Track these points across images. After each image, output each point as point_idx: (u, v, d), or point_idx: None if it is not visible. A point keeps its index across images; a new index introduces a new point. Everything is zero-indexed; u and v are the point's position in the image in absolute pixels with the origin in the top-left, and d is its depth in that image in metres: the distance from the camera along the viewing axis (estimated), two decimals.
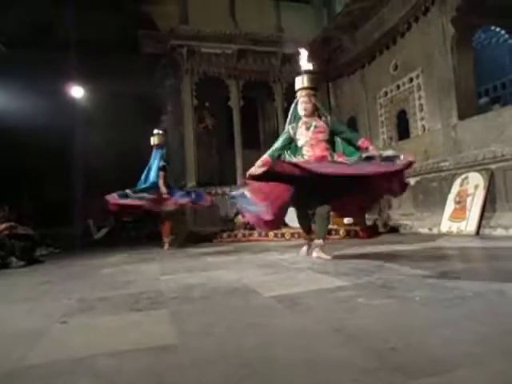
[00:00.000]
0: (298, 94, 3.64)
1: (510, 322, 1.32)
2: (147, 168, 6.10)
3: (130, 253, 5.47)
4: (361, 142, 3.37)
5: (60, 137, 8.47)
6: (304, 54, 3.75)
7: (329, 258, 3.32)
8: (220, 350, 1.26)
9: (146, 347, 1.33)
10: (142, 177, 6.06)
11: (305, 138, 3.49)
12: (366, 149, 3.27)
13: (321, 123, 3.52)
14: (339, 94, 8.48)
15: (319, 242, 3.46)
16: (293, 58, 8.07)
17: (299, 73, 3.74)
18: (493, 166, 4.70)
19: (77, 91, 8.05)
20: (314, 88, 3.65)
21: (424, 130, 6.06)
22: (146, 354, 1.26)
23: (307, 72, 3.68)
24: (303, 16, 8.88)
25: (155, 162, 5.99)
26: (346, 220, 5.80)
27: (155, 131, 6.17)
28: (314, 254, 3.43)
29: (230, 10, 8.28)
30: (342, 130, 3.56)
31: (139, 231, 8.55)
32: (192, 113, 7.96)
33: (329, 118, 3.61)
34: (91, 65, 7.47)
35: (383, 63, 6.87)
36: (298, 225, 6.22)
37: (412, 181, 6.05)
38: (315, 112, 3.58)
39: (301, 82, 3.62)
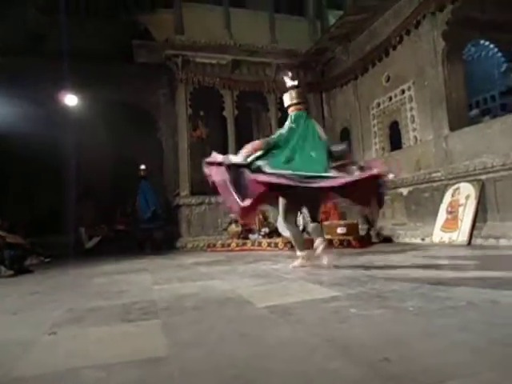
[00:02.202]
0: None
1: (503, 331, 1.33)
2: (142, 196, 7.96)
3: (122, 262, 5.41)
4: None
5: (53, 144, 8.42)
6: (287, 75, 3.80)
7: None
8: (212, 361, 1.24)
9: (136, 359, 1.31)
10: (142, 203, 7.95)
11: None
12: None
13: None
14: (333, 104, 8.57)
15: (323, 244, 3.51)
16: (286, 70, 8.19)
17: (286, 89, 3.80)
18: (483, 177, 4.75)
19: (70, 99, 8.02)
20: (302, 103, 3.70)
21: (416, 140, 6.13)
22: (136, 366, 1.24)
23: (294, 87, 3.73)
24: (297, 28, 9.00)
25: (148, 191, 7.98)
26: (340, 230, 5.81)
27: (141, 167, 8.18)
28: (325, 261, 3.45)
29: (225, 22, 8.37)
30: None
31: (131, 240, 8.47)
32: (186, 122, 7.98)
33: None
34: (85, 73, 7.48)
35: (376, 75, 6.97)
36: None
37: (404, 191, 6.10)
38: None
39: (289, 97, 3.70)
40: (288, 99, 3.70)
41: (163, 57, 7.81)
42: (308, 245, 3.67)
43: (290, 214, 3.64)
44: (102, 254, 7.18)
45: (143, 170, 8.17)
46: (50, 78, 7.41)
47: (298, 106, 3.65)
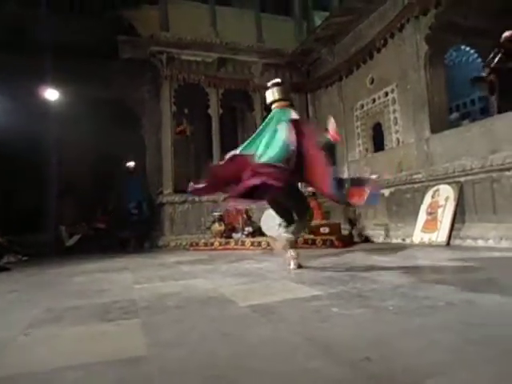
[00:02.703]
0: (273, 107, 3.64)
1: (479, 331, 1.36)
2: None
3: (102, 261, 5.32)
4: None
5: (34, 139, 8.22)
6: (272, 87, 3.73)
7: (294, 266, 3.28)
8: (194, 361, 1.23)
9: (115, 359, 1.29)
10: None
11: None
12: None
13: None
14: (317, 105, 8.62)
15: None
16: (272, 69, 8.24)
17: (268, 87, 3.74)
18: (462, 179, 4.86)
19: (52, 94, 7.84)
20: (286, 99, 3.64)
21: (398, 142, 6.23)
22: (115, 366, 1.22)
23: (276, 84, 3.68)
24: (283, 28, 9.02)
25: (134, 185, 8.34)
26: (323, 229, 5.86)
27: (129, 163, 8.60)
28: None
29: (211, 20, 8.32)
30: None
31: (112, 239, 8.36)
32: (170, 119, 7.90)
33: None
34: (68, 68, 7.30)
35: (360, 77, 7.04)
36: (275, 234, 6.29)
37: (386, 192, 6.19)
38: None
39: (271, 94, 3.63)
40: (271, 97, 3.66)
41: (148, 53, 7.71)
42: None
43: (277, 210, 3.63)
44: (82, 253, 7.05)
45: (131, 166, 8.41)
46: (32, 74, 7.22)
47: (281, 103, 3.59)
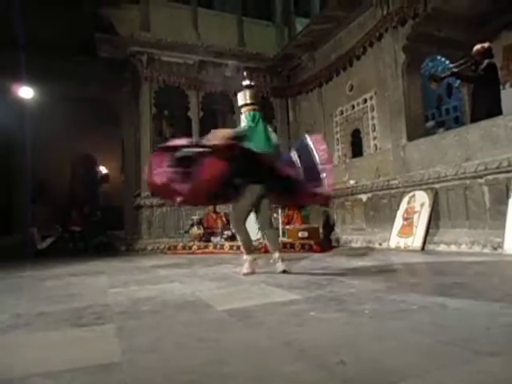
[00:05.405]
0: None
1: (451, 333, 1.39)
2: None
3: (77, 264, 5.18)
4: None
5: (5, 138, 7.95)
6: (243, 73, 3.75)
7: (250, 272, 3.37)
8: (167, 367, 1.21)
9: (86, 366, 1.25)
10: None
11: None
12: None
13: None
14: (298, 110, 8.70)
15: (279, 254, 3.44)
16: (253, 73, 8.24)
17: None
18: (437, 186, 4.99)
19: (25, 92, 7.61)
20: (255, 103, 3.63)
21: (376, 149, 6.34)
22: (86, 373, 1.18)
23: (248, 87, 3.69)
24: (265, 33, 9.09)
25: None
26: (301, 234, 5.89)
27: None
28: (281, 268, 3.33)
29: (193, 22, 8.29)
30: None
31: (88, 242, 8.16)
32: (150, 121, 7.80)
33: None
34: (43, 65, 7.12)
35: (340, 83, 7.15)
36: (255, 237, 6.29)
37: (364, 197, 6.29)
38: None
39: (243, 97, 3.65)
40: (241, 99, 3.65)
41: (128, 53, 7.60)
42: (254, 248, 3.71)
43: (245, 217, 3.51)
44: (56, 256, 6.84)
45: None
46: (3, 69, 6.99)
47: (252, 107, 3.58)
